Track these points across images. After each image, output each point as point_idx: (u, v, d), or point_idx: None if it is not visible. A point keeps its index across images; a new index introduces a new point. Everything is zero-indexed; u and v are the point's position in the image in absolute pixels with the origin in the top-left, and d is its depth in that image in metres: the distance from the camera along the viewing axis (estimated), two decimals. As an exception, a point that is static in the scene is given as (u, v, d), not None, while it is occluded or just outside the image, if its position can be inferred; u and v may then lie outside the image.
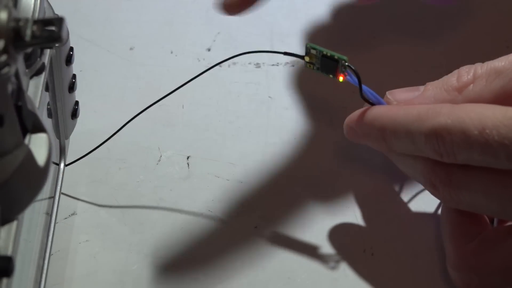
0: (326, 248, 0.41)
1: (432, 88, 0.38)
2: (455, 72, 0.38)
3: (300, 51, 0.38)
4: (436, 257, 0.40)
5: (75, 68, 0.40)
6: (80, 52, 0.43)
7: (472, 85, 0.37)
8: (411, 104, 0.38)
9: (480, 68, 0.37)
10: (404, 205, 0.43)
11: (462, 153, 0.34)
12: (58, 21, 0.27)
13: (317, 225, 0.42)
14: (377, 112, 0.38)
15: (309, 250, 0.41)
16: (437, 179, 0.36)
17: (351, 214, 0.42)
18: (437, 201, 0.42)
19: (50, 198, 0.39)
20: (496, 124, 0.33)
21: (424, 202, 0.42)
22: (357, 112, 0.39)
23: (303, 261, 0.40)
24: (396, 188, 0.43)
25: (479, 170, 0.35)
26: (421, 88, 0.39)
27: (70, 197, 0.42)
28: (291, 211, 0.42)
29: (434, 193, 0.37)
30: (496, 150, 0.33)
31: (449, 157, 0.35)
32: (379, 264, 0.40)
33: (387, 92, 0.39)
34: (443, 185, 0.36)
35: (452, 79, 0.38)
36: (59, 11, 0.37)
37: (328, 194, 0.43)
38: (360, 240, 0.41)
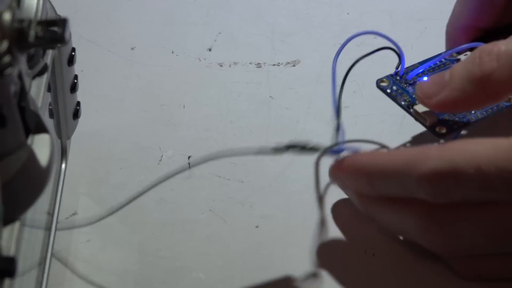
0: (327, 248, 0.41)
1: (458, 79, 0.37)
2: (476, 56, 0.37)
3: (301, 51, 0.38)
4: (438, 257, 0.40)
5: (76, 68, 0.40)
6: (81, 52, 0.43)
7: (496, 73, 0.36)
8: (443, 103, 0.37)
9: (505, 53, 0.36)
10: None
11: (458, 193, 0.34)
12: (62, 22, 0.27)
13: (318, 225, 0.42)
14: (361, 162, 0.37)
15: (310, 250, 0.41)
16: (431, 234, 0.36)
17: (351, 214, 0.42)
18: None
19: (51, 198, 0.39)
20: (491, 160, 0.33)
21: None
22: (340, 164, 0.39)
23: (304, 261, 0.40)
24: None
25: (473, 210, 0.35)
26: (447, 75, 0.38)
27: (71, 197, 0.42)
28: (292, 210, 0.42)
29: (431, 248, 0.37)
30: (495, 184, 0.33)
31: (445, 199, 0.34)
32: (380, 264, 0.40)
33: (416, 86, 0.39)
34: (439, 237, 0.36)
35: (474, 68, 0.37)
36: (59, 11, 0.37)
37: (329, 194, 0.43)
38: (361, 241, 0.41)
